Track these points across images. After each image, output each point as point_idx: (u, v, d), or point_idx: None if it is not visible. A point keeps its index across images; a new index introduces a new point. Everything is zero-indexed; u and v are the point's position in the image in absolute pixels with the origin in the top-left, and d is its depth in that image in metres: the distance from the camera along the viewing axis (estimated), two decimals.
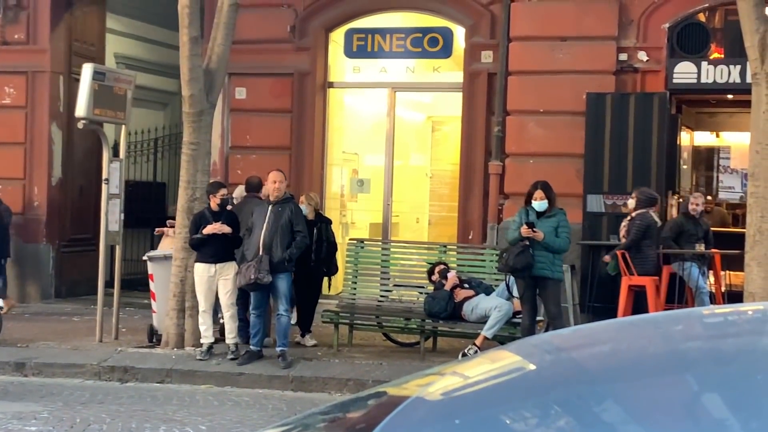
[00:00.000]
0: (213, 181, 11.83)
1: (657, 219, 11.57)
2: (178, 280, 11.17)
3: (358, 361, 10.83)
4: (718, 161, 17.62)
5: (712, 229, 12.81)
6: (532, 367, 2.50)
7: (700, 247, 12.08)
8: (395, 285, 12.17)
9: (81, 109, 11.38)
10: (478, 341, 10.53)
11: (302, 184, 13.87)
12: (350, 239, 13.02)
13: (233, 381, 10.21)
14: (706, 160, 17.73)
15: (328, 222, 11.97)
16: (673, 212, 13.35)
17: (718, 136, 17.21)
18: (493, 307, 10.55)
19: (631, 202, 11.65)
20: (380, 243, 13.30)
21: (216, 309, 10.98)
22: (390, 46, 14.62)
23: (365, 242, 12.71)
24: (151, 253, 11.88)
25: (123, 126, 12.39)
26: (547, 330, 10.21)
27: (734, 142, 16.93)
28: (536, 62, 13.22)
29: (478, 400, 2.25)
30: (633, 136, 12.57)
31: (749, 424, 1.86)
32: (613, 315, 10.66)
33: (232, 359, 10.60)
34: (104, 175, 11.91)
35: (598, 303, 11.82)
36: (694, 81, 12.75)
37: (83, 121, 11.53)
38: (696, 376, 2.18)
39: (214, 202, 10.75)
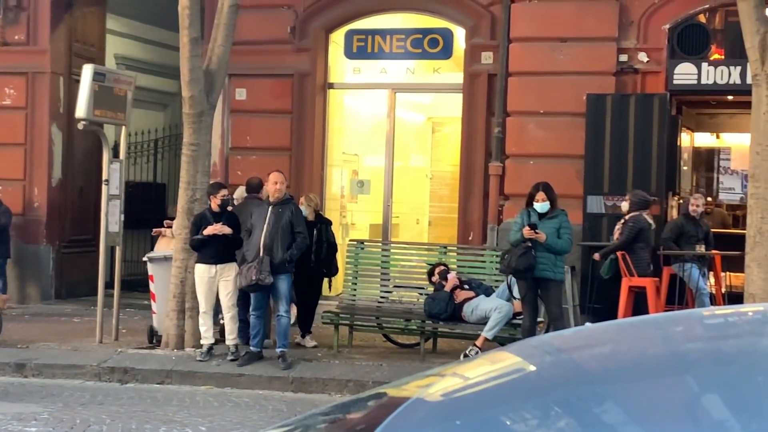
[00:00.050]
0: (214, 182, 11.83)
1: (651, 222, 11.60)
2: (178, 281, 11.17)
3: (359, 362, 10.82)
4: (719, 162, 17.62)
5: (713, 230, 12.82)
6: (533, 368, 2.50)
7: (701, 249, 12.09)
8: (395, 286, 12.17)
9: (81, 110, 11.38)
10: (478, 342, 10.53)
11: (302, 185, 13.88)
12: (350, 240, 13.02)
13: (233, 382, 10.21)
14: (707, 161, 17.74)
15: (329, 223, 11.97)
16: (674, 213, 13.35)
17: (718, 137, 17.22)
18: (493, 308, 10.55)
19: (625, 205, 11.71)
20: (380, 244, 13.30)
21: (216, 310, 10.98)
22: (390, 47, 14.62)
23: (365, 243, 12.70)
24: (151, 255, 11.87)
25: (123, 127, 12.39)
26: (547, 331, 10.21)
27: (734, 143, 16.94)
28: (536, 63, 13.22)
29: (479, 401, 2.25)
30: (633, 137, 12.57)
31: (749, 426, 1.86)
32: (614, 316, 10.66)
33: (232, 360, 10.60)
34: (104, 176, 11.91)
35: (598, 304, 11.82)
36: (695, 82, 12.75)
37: (83, 122, 11.53)
38: (696, 377, 2.18)
39: (215, 203, 10.75)
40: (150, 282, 11.76)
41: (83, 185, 15.59)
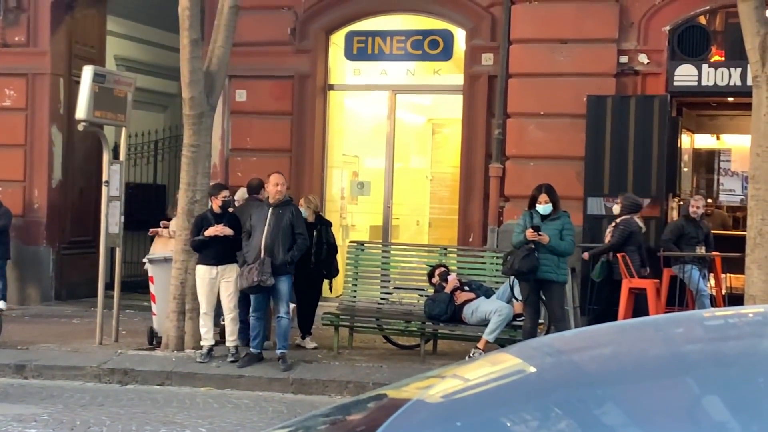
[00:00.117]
0: (215, 183, 11.83)
1: (641, 225, 11.64)
2: (178, 282, 11.17)
3: (359, 364, 10.82)
4: (719, 164, 17.60)
5: (713, 231, 12.82)
6: (533, 369, 2.50)
7: (701, 250, 12.10)
8: (395, 287, 12.17)
9: (81, 111, 11.38)
10: (480, 345, 10.54)
11: (302, 187, 13.88)
12: (350, 242, 13.02)
13: (233, 383, 10.21)
14: (707, 162, 17.72)
15: (328, 224, 11.97)
16: (674, 215, 13.35)
17: (718, 138, 17.21)
18: (492, 310, 10.55)
19: (617, 208, 11.76)
20: (380, 245, 13.30)
21: (217, 312, 10.97)
22: (390, 49, 14.62)
23: (365, 245, 12.70)
24: (151, 256, 11.86)
25: (123, 128, 12.39)
26: (547, 333, 10.21)
27: (735, 144, 16.92)
28: (537, 65, 13.22)
29: (479, 403, 2.25)
30: (633, 139, 12.57)
31: (750, 427, 1.86)
32: (614, 318, 10.66)
33: (232, 362, 10.60)
34: (104, 178, 11.91)
35: (599, 306, 11.82)
36: (695, 84, 12.75)
37: (83, 123, 11.53)
38: (697, 378, 2.18)
39: (216, 204, 10.75)
40: (150, 283, 11.76)
41: (83, 186, 15.59)
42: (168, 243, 11.78)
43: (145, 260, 11.90)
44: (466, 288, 11.14)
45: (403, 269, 12.56)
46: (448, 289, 11.02)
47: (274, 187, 10.59)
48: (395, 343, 11.95)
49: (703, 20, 13.21)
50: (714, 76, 12.66)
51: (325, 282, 11.91)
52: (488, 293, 11.08)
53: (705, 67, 12.71)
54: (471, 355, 10.44)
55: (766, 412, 1.89)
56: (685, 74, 12.75)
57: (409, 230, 15.78)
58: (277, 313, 10.59)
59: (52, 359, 10.90)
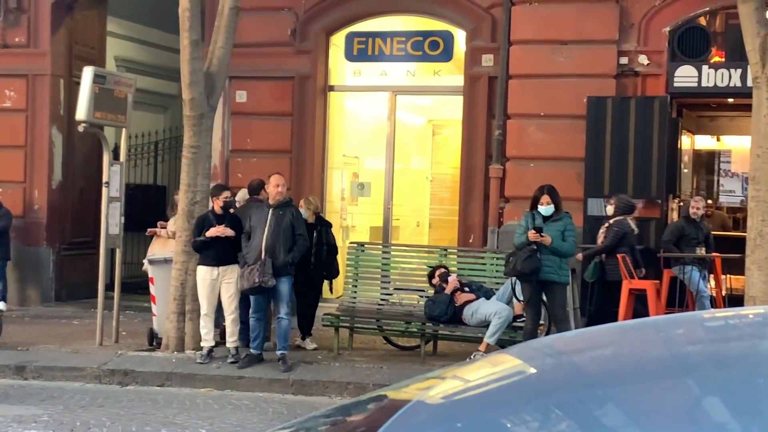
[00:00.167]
0: (216, 184, 11.84)
1: (634, 226, 11.66)
2: (178, 283, 11.16)
3: (359, 365, 10.82)
4: (719, 165, 17.59)
5: (713, 232, 12.82)
6: (534, 370, 2.50)
7: (701, 251, 12.10)
8: (396, 288, 12.16)
9: (81, 112, 11.38)
10: (482, 347, 10.54)
11: (303, 188, 13.88)
12: (351, 243, 13.02)
13: (233, 384, 10.21)
14: (707, 163, 17.72)
15: (329, 225, 11.97)
16: (674, 216, 13.35)
17: (718, 139, 17.20)
18: (493, 312, 10.54)
19: (610, 209, 11.77)
20: (381, 246, 13.30)
21: (218, 313, 10.97)
22: (391, 50, 14.62)
23: (366, 246, 12.70)
24: (151, 257, 11.86)
25: (123, 129, 12.40)
26: (547, 333, 10.20)
27: (735, 145, 16.91)
28: (537, 66, 13.23)
29: (479, 404, 2.25)
30: (633, 140, 12.57)
31: (750, 428, 1.86)
32: (614, 319, 10.65)
33: (232, 362, 10.60)
34: (104, 178, 11.91)
35: (591, 306, 11.82)
36: (695, 85, 12.75)
37: (84, 124, 11.53)
38: (697, 379, 2.18)
39: (218, 205, 10.75)
40: (150, 284, 11.76)
41: (83, 187, 15.59)
42: (166, 243, 11.78)
43: (145, 261, 11.90)
44: (467, 289, 11.13)
45: (403, 270, 12.56)
46: (448, 290, 11.02)
47: (275, 188, 10.59)
48: (395, 344, 11.95)
49: (703, 21, 13.21)
50: (714, 77, 12.66)
51: (326, 283, 11.92)
52: (488, 294, 11.08)
53: (705, 68, 12.71)
54: (473, 357, 10.44)
55: (766, 413, 1.89)
56: (686, 75, 12.75)
57: (410, 231, 15.78)
58: (277, 314, 10.59)
59: (52, 360, 10.90)
